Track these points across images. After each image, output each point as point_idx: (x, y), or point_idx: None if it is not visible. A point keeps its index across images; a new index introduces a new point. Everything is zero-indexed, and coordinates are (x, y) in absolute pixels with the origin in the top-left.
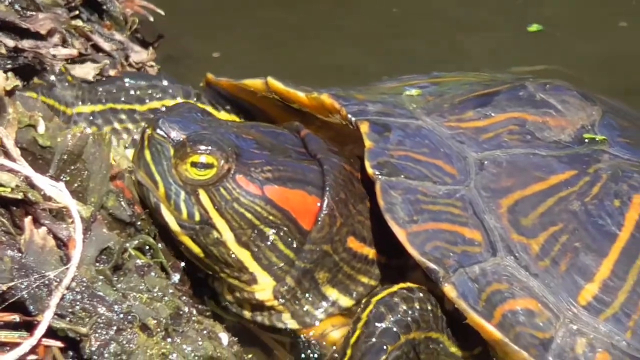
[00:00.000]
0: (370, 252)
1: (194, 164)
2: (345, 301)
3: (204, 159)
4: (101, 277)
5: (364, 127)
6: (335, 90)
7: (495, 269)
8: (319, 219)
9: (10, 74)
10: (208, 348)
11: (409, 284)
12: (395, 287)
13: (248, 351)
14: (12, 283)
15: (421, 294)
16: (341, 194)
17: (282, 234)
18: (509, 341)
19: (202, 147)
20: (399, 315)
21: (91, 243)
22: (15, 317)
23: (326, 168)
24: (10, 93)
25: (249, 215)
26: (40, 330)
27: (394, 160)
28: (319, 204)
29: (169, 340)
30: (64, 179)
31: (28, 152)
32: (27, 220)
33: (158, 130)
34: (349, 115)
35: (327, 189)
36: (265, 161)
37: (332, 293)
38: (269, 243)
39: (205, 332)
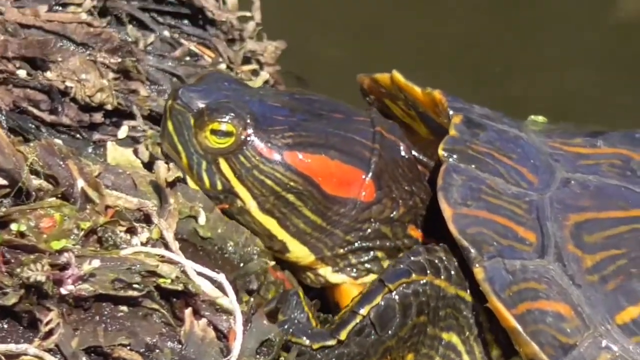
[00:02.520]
0: (432, 242)
1: (212, 132)
2: None
3: (222, 127)
4: None
5: (456, 119)
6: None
7: (538, 269)
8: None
9: (172, 164)
10: None
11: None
12: (441, 243)
13: None
14: None
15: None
16: (386, 171)
17: (305, 199)
18: (522, 331)
19: (220, 115)
20: (435, 259)
21: (251, 335)
22: None
23: (376, 146)
24: (171, 184)
25: (269, 182)
26: None
27: (472, 152)
28: (354, 173)
29: None
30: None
31: (189, 243)
32: (188, 311)
33: (178, 101)
34: (449, 109)
35: (372, 162)
36: (288, 127)
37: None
38: (293, 209)
39: None
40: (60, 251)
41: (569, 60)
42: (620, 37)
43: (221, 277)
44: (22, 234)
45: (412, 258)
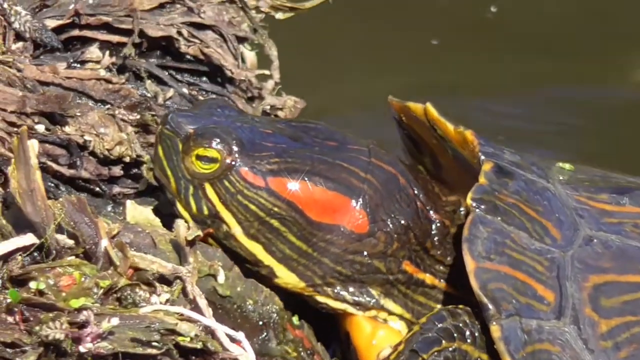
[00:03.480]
0: (429, 278)
1: (198, 158)
2: (398, 310)
3: (207, 152)
4: None
5: (487, 166)
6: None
7: (553, 330)
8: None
9: (192, 223)
10: None
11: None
12: (461, 305)
13: None
14: None
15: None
16: (382, 205)
17: (289, 225)
18: None
19: (205, 140)
20: (459, 323)
21: None
22: None
23: (369, 176)
24: (191, 243)
25: (253, 207)
26: None
27: (500, 203)
28: (339, 200)
29: None
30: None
31: (208, 301)
32: None
33: (167, 126)
34: (480, 154)
35: (364, 192)
36: (274, 153)
37: (387, 303)
38: (278, 235)
39: None
40: (79, 309)
41: None
42: None
43: (240, 336)
44: (40, 292)
45: (438, 325)
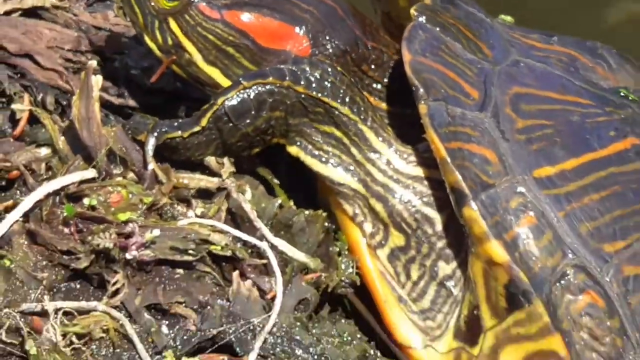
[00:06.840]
0: (379, 103)
1: None
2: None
3: None
4: (298, 323)
5: None
6: None
7: (475, 119)
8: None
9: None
10: None
11: None
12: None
13: None
14: (222, 328)
15: (330, 69)
16: (322, 32)
17: (243, 51)
18: (450, 162)
19: None
20: (299, 71)
21: (291, 294)
22: (224, 358)
23: (310, 8)
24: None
25: (211, 37)
26: None
27: (440, 19)
28: (285, 29)
29: None
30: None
31: (237, 214)
32: (235, 274)
33: None
34: None
35: (306, 21)
36: None
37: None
38: (233, 60)
39: None
40: (126, 222)
41: None
42: None
43: (264, 245)
44: (92, 207)
45: (278, 65)
